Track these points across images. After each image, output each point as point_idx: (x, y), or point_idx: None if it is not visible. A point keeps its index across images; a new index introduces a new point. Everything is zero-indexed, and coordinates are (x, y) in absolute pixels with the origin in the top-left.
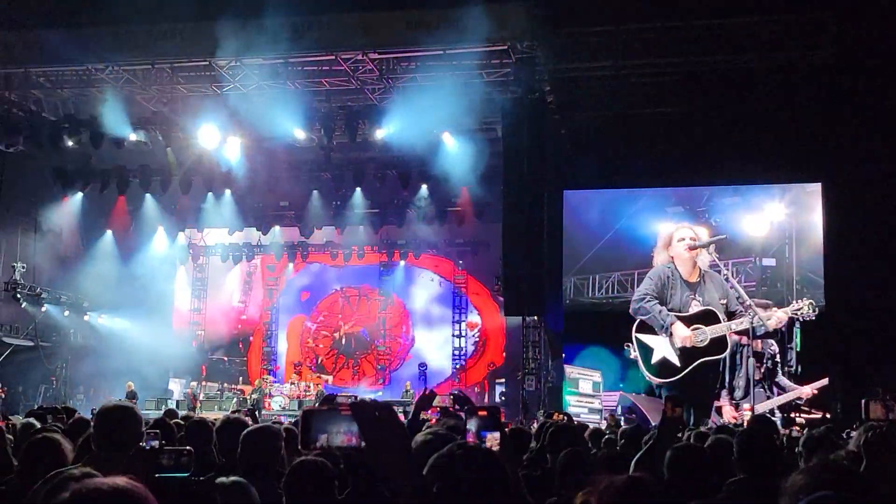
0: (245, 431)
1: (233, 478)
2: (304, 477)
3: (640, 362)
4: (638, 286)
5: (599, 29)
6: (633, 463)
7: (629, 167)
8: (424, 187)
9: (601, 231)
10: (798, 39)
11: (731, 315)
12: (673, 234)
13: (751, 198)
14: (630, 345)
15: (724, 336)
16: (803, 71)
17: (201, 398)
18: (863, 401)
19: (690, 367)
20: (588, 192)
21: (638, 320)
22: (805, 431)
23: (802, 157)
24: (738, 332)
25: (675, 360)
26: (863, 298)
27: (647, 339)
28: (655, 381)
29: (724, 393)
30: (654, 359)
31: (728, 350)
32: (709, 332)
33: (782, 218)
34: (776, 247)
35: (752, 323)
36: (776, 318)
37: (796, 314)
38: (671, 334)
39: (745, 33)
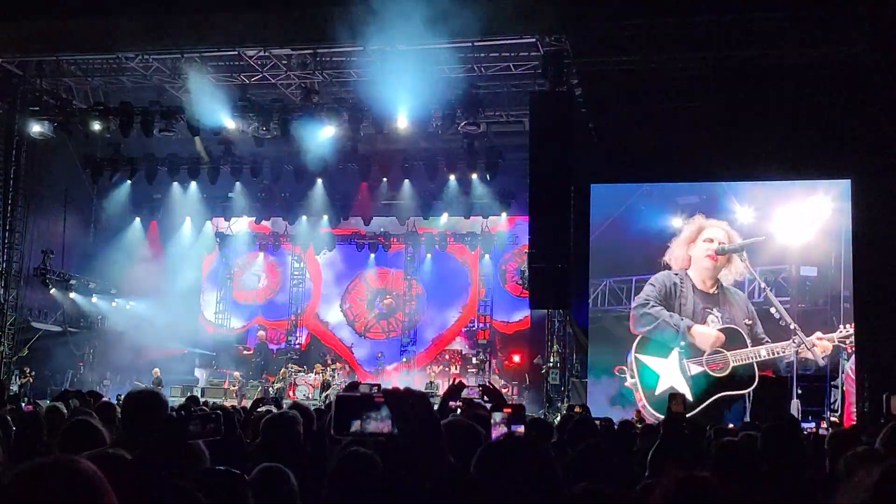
0: (264, 419)
1: (272, 464)
2: (352, 468)
3: (640, 391)
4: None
5: (628, 23)
6: (648, 459)
7: (657, 162)
8: (452, 178)
9: (590, 226)
10: (828, 34)
11: (756, 342)
12: (702, 231)
13: (786, 189)
14: (626, 368)
15: (752, 365)
16: (833, 66)
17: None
18: (884, 395)
19: (705, 405)
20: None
21: (639, 337)
22: (831, 429)
23: (831, 153)
24: (762, 364)
25: (687, 393)
26: (893, 296)
27: (651, 361)
28: (657, 415)
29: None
30: (660, 388)
31: (754, 384)
32: (730, 359)
33: (829, 215)
34: (821, 252)
35: (797, 350)
36: (820, 346)
37: (843, 343)
38: (690, 345)
39: (775, 28)
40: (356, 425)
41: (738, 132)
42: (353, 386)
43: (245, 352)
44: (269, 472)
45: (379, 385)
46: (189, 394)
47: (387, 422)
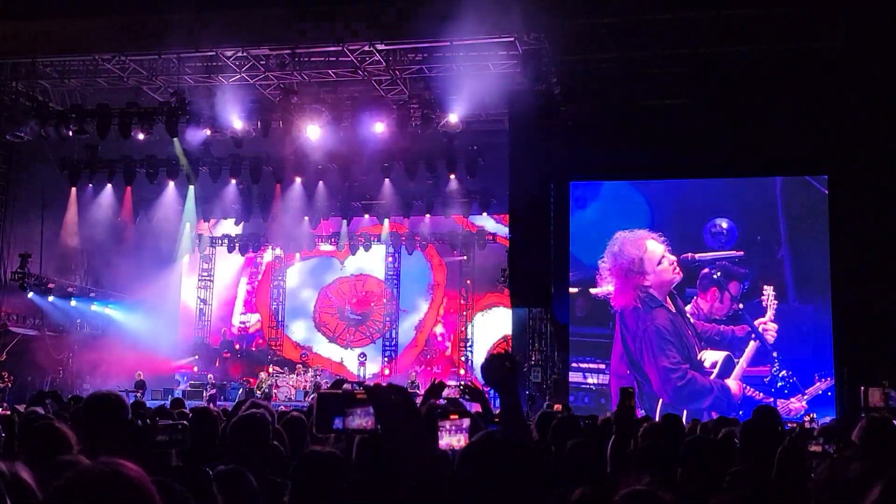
0: (232, 421)
1: (230, 466)
2: (313, 469)
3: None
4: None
5: (607, 20)
6: (608, 451)
7: (636, 159)
8: (431, 177)
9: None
10: (806, 31)
11: None
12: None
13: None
14: None
15: None
16: (811, 62)
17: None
18: (862, 388)
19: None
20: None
21: None
22: (818, 425)
23: (809, 149)
24: None
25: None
26: (870, 292)
27: None
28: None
29: None
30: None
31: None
32: None
33: None
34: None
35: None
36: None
37: None
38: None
39: (754, 25)
40: (339, 422)
41: (716, 128)
42: (339, 383)
43: (226, 354)
44: (226, 474)
45: (362, 383)
46: (171, 396)
47: (370, 418)
